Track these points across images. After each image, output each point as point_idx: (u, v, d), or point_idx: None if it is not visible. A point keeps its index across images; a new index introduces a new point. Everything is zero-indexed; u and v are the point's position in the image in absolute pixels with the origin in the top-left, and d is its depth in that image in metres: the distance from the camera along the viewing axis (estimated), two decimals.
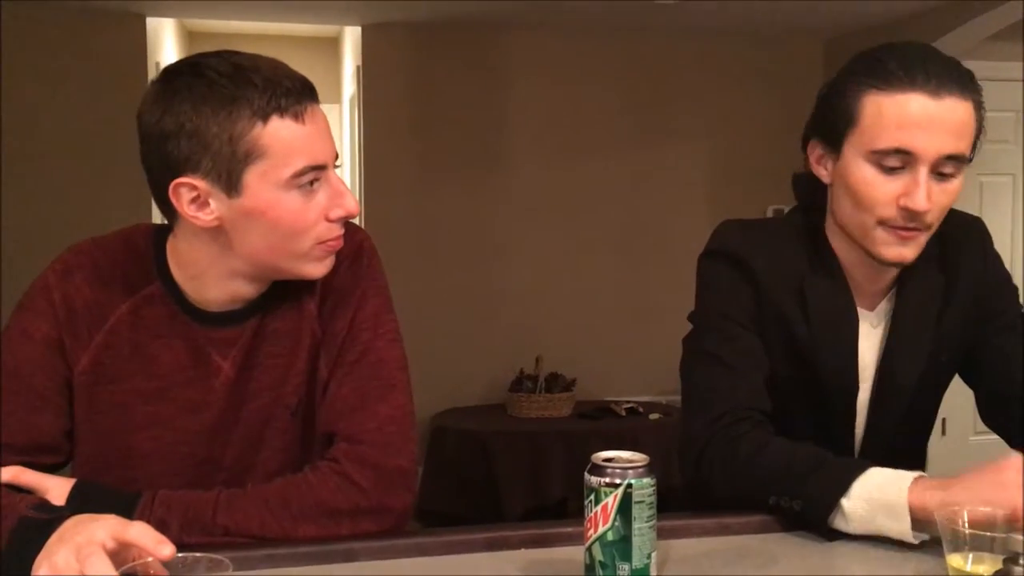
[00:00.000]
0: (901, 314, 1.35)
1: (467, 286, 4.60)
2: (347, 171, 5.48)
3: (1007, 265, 4.79)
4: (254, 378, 1.17)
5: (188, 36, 5.98)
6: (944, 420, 4.52)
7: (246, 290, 1.16)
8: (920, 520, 1.06)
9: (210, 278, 1.15)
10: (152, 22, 4.47)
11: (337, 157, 1.14)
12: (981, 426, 1.45)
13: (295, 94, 1.07)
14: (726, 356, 1.30)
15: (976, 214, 4.99)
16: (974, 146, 1.24)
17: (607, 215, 4.78)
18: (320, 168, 1.10)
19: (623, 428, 4.16)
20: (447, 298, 4.48)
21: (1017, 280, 4.12)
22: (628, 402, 4.45)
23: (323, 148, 1.10)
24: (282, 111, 1.05)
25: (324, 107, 1.14)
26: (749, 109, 4.80)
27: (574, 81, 4.73)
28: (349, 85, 5.43)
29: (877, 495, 1.09)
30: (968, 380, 1.42)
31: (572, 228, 4.76)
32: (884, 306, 1.36)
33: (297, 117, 1.06)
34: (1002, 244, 4.70)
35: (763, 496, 1.16)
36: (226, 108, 1.04)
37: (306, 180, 1.08)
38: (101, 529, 0.88)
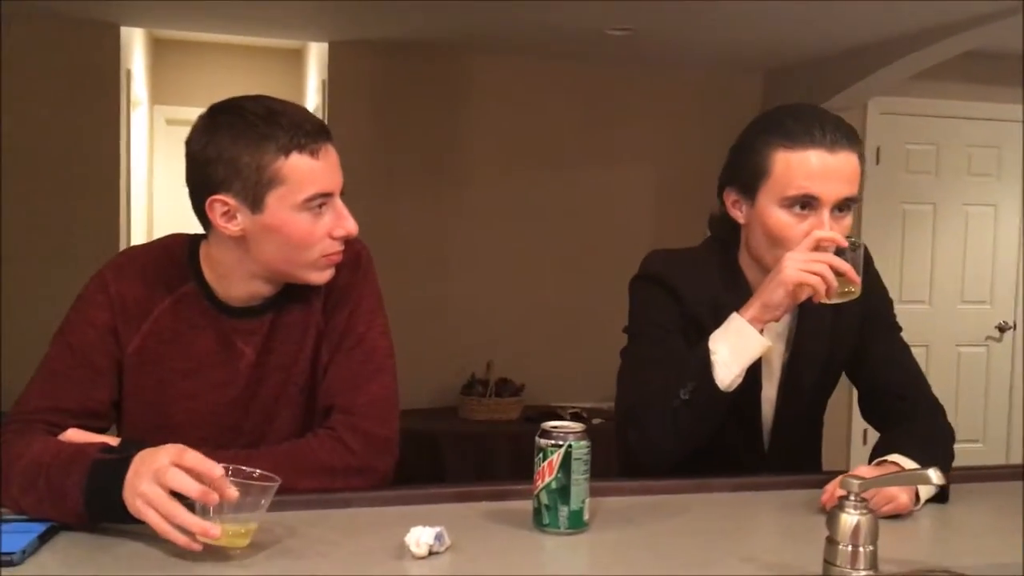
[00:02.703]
0: (802, 324, 1.62)
1: (424, 294, 4.81)
2: None
3: (926, 285, 5.27)
4: (270, 361, 1.42)
5: (155, 44, 6.15)
6: (865, 431, 4.86)
7: (263, 289, 1.41)
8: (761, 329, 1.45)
9: (235, 278, 1.40)
10: (125, 31, 4.64)
11: (343, 186, 1.38)
12: None
13: (313, 135, 1.32)
14: (655, 354, 1.57)
15: (899, 239, 5.40)
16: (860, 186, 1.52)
17: (557, 231, 5.05)
18: (328, 195, 1.34)
19: None
20: (404, 305, 4.66)
21: (937, 298, 4.67)
22: (573, 407, 4.68)
23: (332, 179, 1.35)
24: (301, 148, 1.30)
25: None
26: (691, 136, 5.10)
27: (529, 103, 5.00)
28: (313, 97, 5.63)
29: (727, 333, 1.45)
30: (852, 378, 1.69)
31: (525, 242, 5.02)
32: (786, 319, 1.63)
33: (313, 154, 1.31)
34: (921, 266, 5.11)
35: (672, 400, 1.44)
36: (257, 143, 1.29)
37: (316, 204, 1.33)
38: (164, 455, 1.13)
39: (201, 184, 1.33)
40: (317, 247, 1.36)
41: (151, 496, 1.11)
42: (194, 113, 1.37)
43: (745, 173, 1.50)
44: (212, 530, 1.08)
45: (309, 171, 1.31)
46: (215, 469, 1.11)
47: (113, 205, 4.56)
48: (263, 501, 1.14)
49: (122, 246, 4.60)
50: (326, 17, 4.35)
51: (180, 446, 1.14)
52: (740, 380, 1.45)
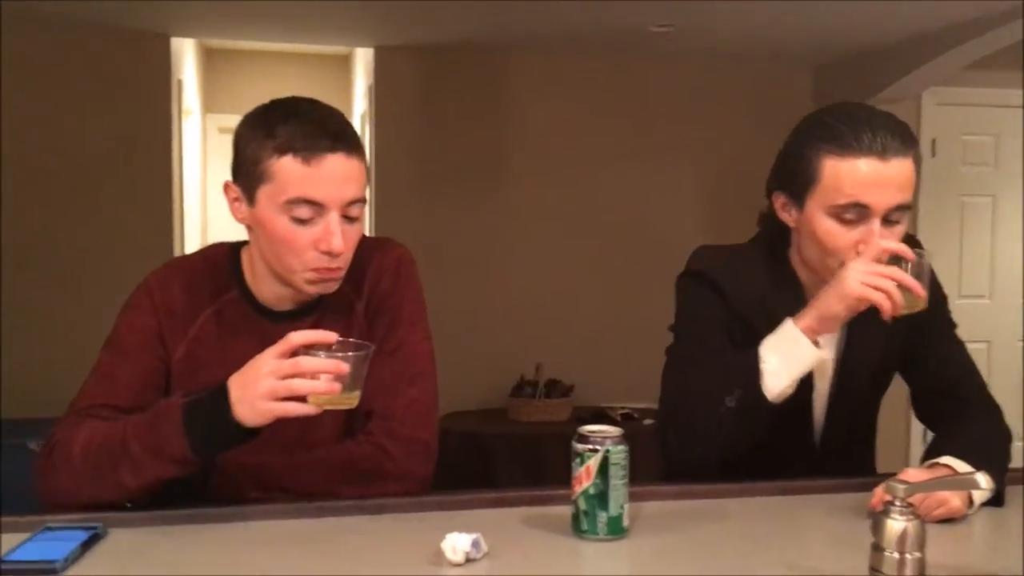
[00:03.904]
0: (854, 323, 1.56)
1: (472, 296, 4.83)
2: None
3: (986, 279, 5.17)
4: None
5: (206, 53, 6.25)
6: (924, 430, 4.73)
7: (286, 291, 1.41)
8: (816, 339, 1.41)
9: (262, 275, 1.41)
10: (175, 42, 4.72)
11: (355, 202, 1.34)
12: None
13: (312, 139, 1.30)
14: (699, 354, 1.53)
15: (957, 232, 5.29)
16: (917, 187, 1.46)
17: (605, 229, 5.02)
18: (314, 204, 1.31)
19: None
20: (452, 307, 4.70)
21: (999, 292, 4.60)
22: (624, 408, 4.65)
23: (323, 190, 1.31)
24: (296, 152, 1.30)
25: None
26: (740, 131, 5.03)
27: (574, 101, 4.98)
28: (360, 102, 5.68)
29: (779, 341, 1.40)
30: (905, 376, 1.64)
31: (572, 241, 5.00)
32: None
33: (306, 160, 1.30)
34: (981, 260, 4.97)
35: (719, 404, 1.41)
36: (261, 140, 1.32)
37: (300, 211, 1.31)
38: (268, 356, 1.20)
39: (231, 169, 1.38)
40: (301, 256, 1.34)
41: (276, 388, 1.19)
42: None
43: (794, 178, 1.46)
44: (338, 367, 1.19)
45: (296, 175, 1.31)
46: (329, 336, 1.21)
47: (166, 214, 4.64)
48: (363, 368, 1.23)
49: (176, 255, 4.68)
50: (372, 22, 4.38)
51: (274, 346, 1.21)
52: (790, 391, 1.41)
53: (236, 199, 1.37)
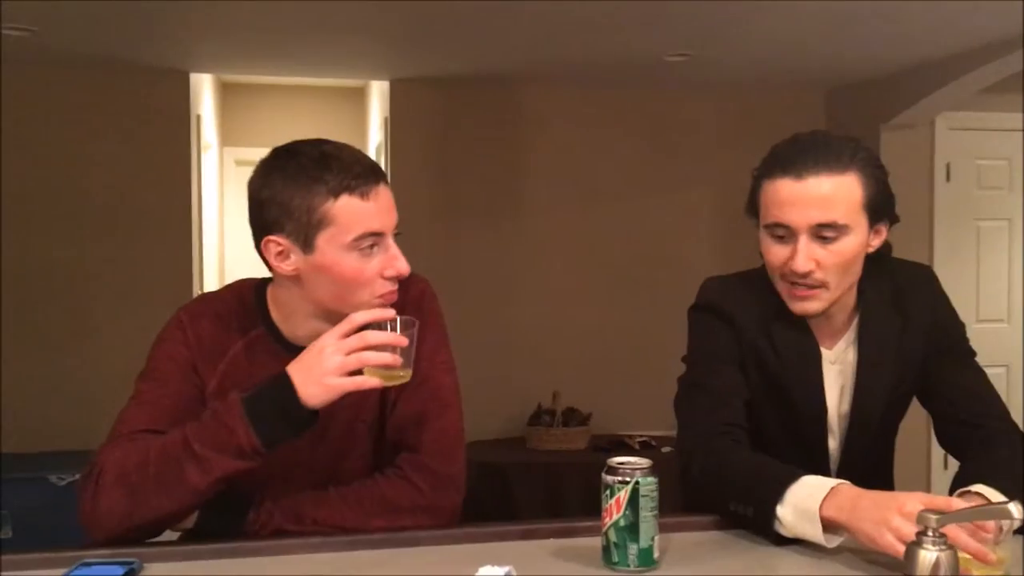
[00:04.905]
0: (864, 352, 1.59)
1: (488, 325, 4.83)
2: None
3: (1003, 303, 5.13)
4: (340, 399, 1.42)
5: (223, 88, 6.33)
6: (945, 456, 4.71)
7: (325, 328, 1.42)
8: (836, 528, 1.26)
9: (298, 318, 1.43)
10: (194, 77, 4.79)
11: (397, 227, 1.40)
12: None
13: (363, 177, 1.34)
14: (711, 385, 1.56)
15: (974, 257, 5.26)
16: (880, 205, 1.49)
17: (620, 258, 5.03)
18: (378, 235, 1.36)
19: None
20: (469, 336, 4.67)
21: (1016, 316, 4.53)
22: (642, 436, 4.64)
23: (381, 220, 1.37)
24: (351, 190, 1.33)
25: None
26: (752, 158, 5.04)
27: (587, 131, 5.01)
28: (376, 134, 5.73)
29: (800, 504, 1.29)
30: (925, 406, 1.65)
31: (587, 269, 5.01)
32: (841, 346, 1.61)
33: (362, 196, 1.34)
34: (998, 284, 4.95)
35: (728, 502, 1.39)
36: (308, 186, 1.33)
37: (365, 244, 1.35)
38: (330, 337, 1.29)
39: (257, 224, 1.37)
40: (369, 287, 1.37)
41: (346, 362, 1.26)
42: (262, 154, 1.41)
43: (751, 203, 1.58)
44: (400, 339, 1.28)
45: (357, 212, 1.34)
46: (387, 312, 1.31)
47: (186, 246, 4.69)
48: (413, 346, 1.31)
49: (195, 286, 4.73)
50: (387, 56, 4.43)
51: (335, 327, 1.30)
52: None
53: (281, 252, 1.36)
